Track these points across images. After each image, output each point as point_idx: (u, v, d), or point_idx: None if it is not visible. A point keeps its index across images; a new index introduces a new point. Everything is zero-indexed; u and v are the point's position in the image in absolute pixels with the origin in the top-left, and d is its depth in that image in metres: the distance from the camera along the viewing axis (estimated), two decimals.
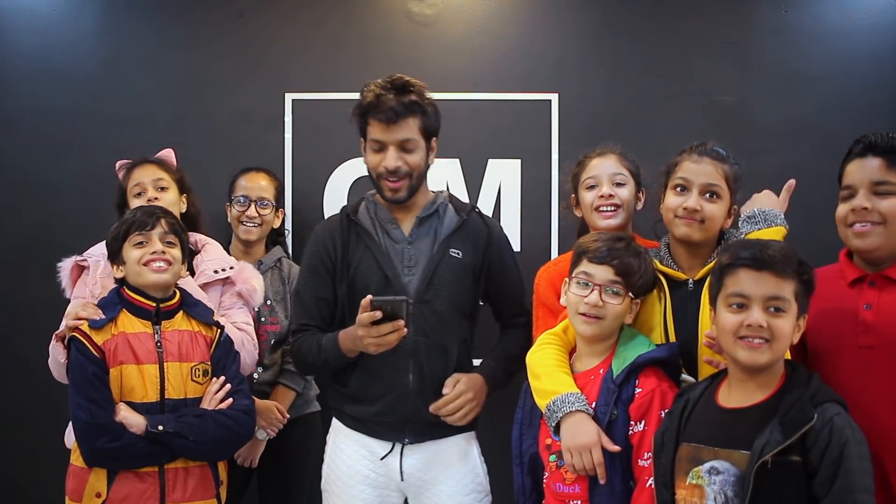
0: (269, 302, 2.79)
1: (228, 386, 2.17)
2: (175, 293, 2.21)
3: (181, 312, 2.20)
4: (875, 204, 1.80)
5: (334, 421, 2.32)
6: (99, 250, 2.39)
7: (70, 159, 3.15)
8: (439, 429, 2.21)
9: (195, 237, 2.54)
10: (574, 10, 3.15)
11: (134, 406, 2.07)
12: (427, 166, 2.27)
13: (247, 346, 2.39)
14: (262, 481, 2.82)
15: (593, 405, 1.89)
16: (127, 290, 2.17)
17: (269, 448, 2.76)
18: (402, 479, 2.20)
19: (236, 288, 2.45)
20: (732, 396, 1.72)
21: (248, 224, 2.84)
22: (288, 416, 2.74)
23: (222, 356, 2.21)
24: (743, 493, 1.59)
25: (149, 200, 2.43)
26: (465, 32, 3.16)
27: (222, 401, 2.15)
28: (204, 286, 2.40)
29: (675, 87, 3.10)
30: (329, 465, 2.30)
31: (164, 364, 2.11)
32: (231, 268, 2.46)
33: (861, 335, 1.79)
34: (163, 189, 2.50)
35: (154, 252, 2.14)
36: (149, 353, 2.11)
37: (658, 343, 1.97)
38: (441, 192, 2.36)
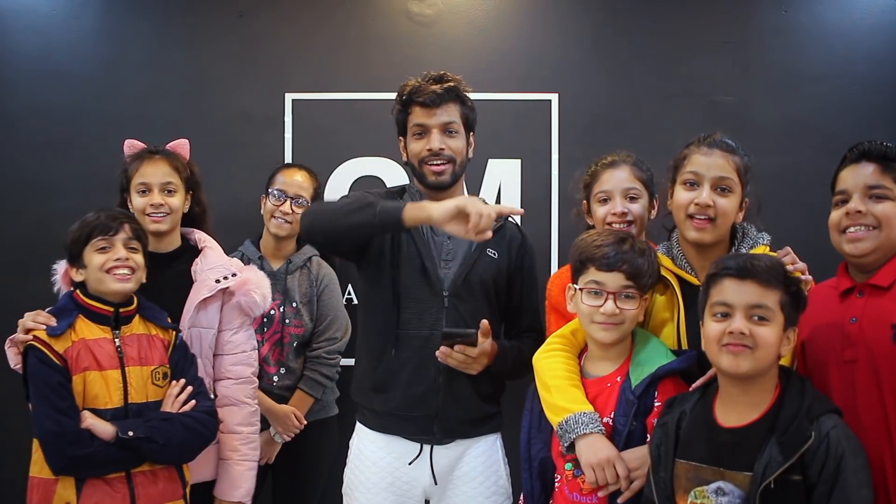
0: (294, 304, 2.76)
1: (190, 388, 2.15)
2: (133, 298, 2.18)
3: (138, 317, 2.17)
4: (870, 207, 1.78)
5: (358, 426, 2.30)
6: None
7: (70, 159, 3.15)
8: (468, 427, 2.21)
9: (196, 236, 2.45)
10: (574, 10, 3.15)
11: (97, 412, 2.04)
12: (467, 158, 2.29)
13: (248, 408, 2.34)
14: (276, 481, 2.82)
15: (611, 415, 1.85)
16: (82, 296, 2.13)
17: (284, 449, 2.75)
18: (436, 483, 2.19)
19: (235, 299, 2.34)
20: (730, 414, 1.70)
21: (280, 219, 2.79)
22: (305, 422, 2.73)
23: (180, 359, 2.19)
24: None
25: (152, 205, 2.34)
26: (465, 32, 3.16)
27: (185, 403, 2.14)
28: (204, 302, 2.29)
29: (675, 87, 3.10)
30: (352, 471, 2.28)
31: (126, 369, 2.09)
32: (234, 275, 2.35)
33: (846, 349, 1.77)
34: (169, 192, 2.37)
35: (118, 259, 2.10)
36: (110, 359, 2.07)
37: (668, 344, 1.94)
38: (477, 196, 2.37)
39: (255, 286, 2.36)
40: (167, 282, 2.33)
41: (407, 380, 2.17)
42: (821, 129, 3.02)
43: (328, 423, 2.85)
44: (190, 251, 2.42)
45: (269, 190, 2.84)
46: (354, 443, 2.30)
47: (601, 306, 1.86)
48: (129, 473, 2.06)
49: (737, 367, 1.65)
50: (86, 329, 2.09)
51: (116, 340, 2.10)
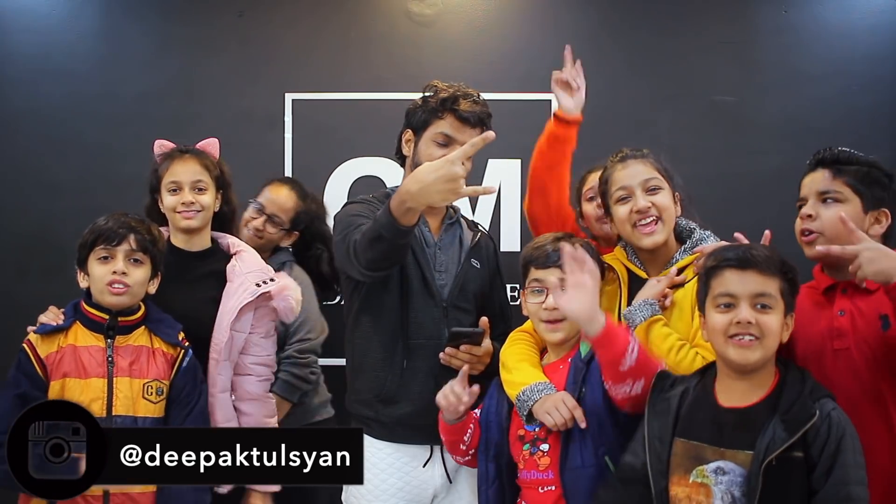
0: None
1: None
2: (140, 307, 2.14)
3: (142, 328, 2.13)
4: (819, 211, 1.91)
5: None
6: None
7: (70, 159, 3.15)
8: None
9: (227, 241, 2.43)
10: (573, 10, 3.16)
11: None
12: None
13: (271, 402, 2.38)
14: (275, 496, 2.76)
15: (563, 388, 1.93)
16: (84, 304, 2.10)
17: None
18: (451, 482, 2.19)
19: (272, 303, 2.32)
20: (731, 395, 1.73)
21: (251, 232, 2.76)
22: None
23: (187, 385, 2.13)
24: (750, 493, 1.61)
25: (183, 203, 2.31)
26: (465, 32, 3.17)
27: None
28: (245, 307, 2.27)
29: (675, 87, 3.11)
30: None
31: (114, 379, 2.04)
32: (272, 280, 2.33)
33: (836, 339, 1.85)
34: (200, 191, 2.33)
35: (115, 272, 2.07)
36: (97, 367, 2.04)
37: None
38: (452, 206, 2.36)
39: (292, 292, 2.37)
40: (195, 281, 2.33)
41: (419, 389, 2.16)
42: (821, 129, 3.02)
43: (322, 426, 2.76)
44: (220, 254, 2.40)
45: (253, 200, 2.80)
46: None
47: (543, 302, 1.97)
48: (107, 494, 1.99)
49: (745, 359, 1.68)
50: (79, 336, 2.07)
51: (109, 349, 2.07)
